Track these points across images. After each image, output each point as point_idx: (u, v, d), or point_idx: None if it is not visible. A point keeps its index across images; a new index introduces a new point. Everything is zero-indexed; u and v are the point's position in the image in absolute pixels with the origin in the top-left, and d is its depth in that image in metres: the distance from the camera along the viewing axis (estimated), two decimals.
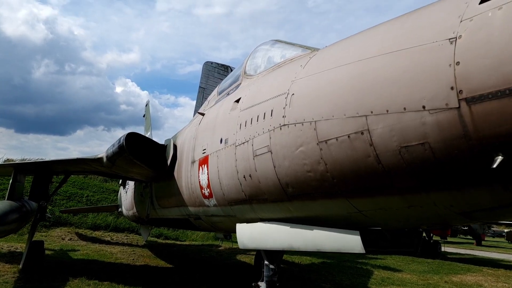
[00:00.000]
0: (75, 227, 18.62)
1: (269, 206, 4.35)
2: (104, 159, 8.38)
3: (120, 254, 14.19)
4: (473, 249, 32.66)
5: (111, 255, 13.80)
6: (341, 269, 14.54)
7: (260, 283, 5.26)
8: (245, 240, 4.89)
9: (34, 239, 10.61)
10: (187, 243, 20.01)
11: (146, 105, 19.65)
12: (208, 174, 5.56)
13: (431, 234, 24.03)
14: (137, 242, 17.90)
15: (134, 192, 11.92)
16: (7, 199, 9.48)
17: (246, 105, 4.68)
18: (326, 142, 3.08)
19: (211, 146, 5.53)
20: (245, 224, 4.98)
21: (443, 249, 27.37)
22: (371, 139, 2.68)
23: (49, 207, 18.74)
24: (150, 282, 9.67)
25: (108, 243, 17.18)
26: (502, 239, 56.57)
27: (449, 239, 45.91)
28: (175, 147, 7.63)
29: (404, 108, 2.44)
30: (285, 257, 16.86)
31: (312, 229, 3.91)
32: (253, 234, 4.81)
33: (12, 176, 9.87)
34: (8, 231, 8.55)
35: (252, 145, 4.21)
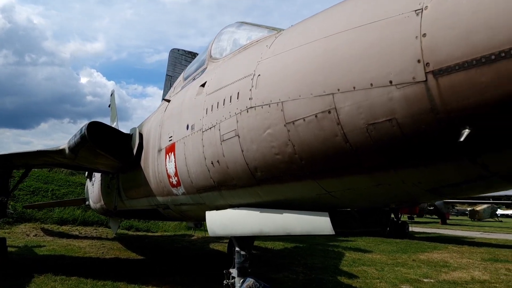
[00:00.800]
0: (40, 222, 17.98)
1: (238, 192, 4.25)
2: (67, 151, 8.02)
3: (89, 248, 13.82)
4: (438, 228, 33.97)
5: (80, 249, 13.41)
6: (313, 252, 14.74)
7: (231, 270, 5.19)
8: (215, 228, 4.79)
9: None
10: (159, 234, 19.74)
11: (111, 95, 19.04)
12: (175, 162, 5.39)
13: (399, 215, 24.78)
14: (106, 235, 17.49)
15: (101, 184, 11.55)
16: None
17: (212, 89, 4.53)
18: (293, 123, 2.99)
19: (178, 133, 5.35)
20: (214, 211, 4.87)
21: (410, 229, 28.30)
22: (338, 118, 2.61)
23: (11, 203, 18.01)
24: (120, 275, 9.42)
25: (76, 237, 16.70)
26: (466, 218, 59.12)
27: (416, 219, 47.60)
28: (140, 136, 7.38)
29: (371, 84, 2.37)
30: (258, 243, 16.93)
31: (282, 213, 3.84)
32: (223, 221, 4.71)
33: None
34: None
35: (219, 130, 4.08)
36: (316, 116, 2.77)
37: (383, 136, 2.39)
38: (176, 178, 5.46)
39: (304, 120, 2.88)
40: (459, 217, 61.47)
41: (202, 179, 4.74)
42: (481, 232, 30.05)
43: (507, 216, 67.32)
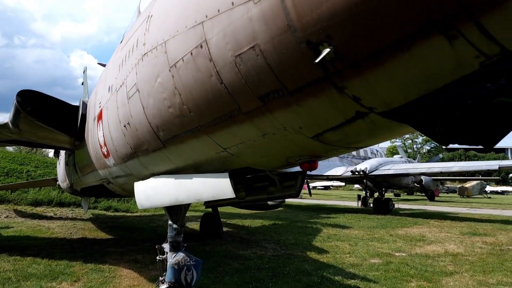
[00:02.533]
0: (13, 204, 17.53)
1: (152, 158, 3.83)
2: (10, 125, 7.52)
3: (58, 228, 13.44)
4: (426, 205, 34.01)
5: (48, 230, 13.03)
6: (290, 229, 14.48)
7: (164, 245, 4.82)
8: (141, 200, 4.36)
9: None
10: (138, 214, 19.40)
11: (84, 72, 18.36)
12: (102, 129, 4.94)
13: (383, 192, 24.62)
14: (81, 216, 17.10)
15: (64, 162, 11.09)
16: None
17: (124, 43, 4.06)
18: (175, 66, 2.53)
19: (103, 98, 4.89)
20: (140, 182, 4.44)
21: (396, 206, 28.28)
22: (209, 53, 2.16)
23: None
24: (80, 255, 9.07)
25: (50, 218, 16.29)
26: (456, 195, 59.51)
27: (405, 197, 47.84)
28: (84, 106, 6.88)
29: (232, 3, 1.91)
30: (236, 221, 16.68)
31: (191, 178, 3.43)
32: (147, 192, 4.28)
33: None
34: None
35: (126, 86, 3.62)
36: (191, 54, 2.31)
37: (250, 70, 1.95)
38: (105, 147, 5.02)
39: (183, 60, 2.42)
40: (449, 195, 61.83)
41: (121, 146, 4.31)
42: (467, 208, 30.10)
43: (496, 192, 67.97)
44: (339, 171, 23.33)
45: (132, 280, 7.14)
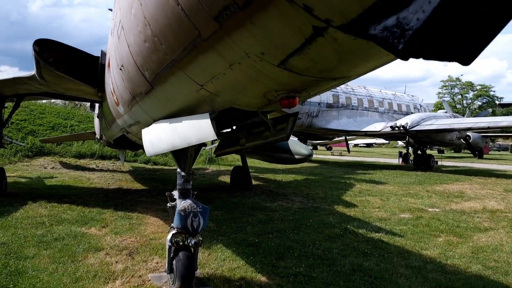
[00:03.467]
0: (59, 156, 18.51)
1: (147, 102, 3.73)
2: (36, 76, 7.67)
3: (97, 179, 14.07)
4: (473, 162, 32.53)
5: (88, 180, 13.68)
6: (322, 184, 14.35)
7: (174, 192, 4.83)
8: (148, 147, 4.29)
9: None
10: (175, 168, 19.88)
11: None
12: (110, 76, 4.87)
13: (425, 148, 23.65)
14: (121, 169, 17.80)
15: (96, 115, 11.39)
16: None
17: None
18: None
19: (109, 43, 4.78)
20: (145, 129, 4.38)
21: (440, 163, 27.26)
22: None
23: (30, 137, 18.56)
24: (111, 203, 9.46)
25: (92, 170, 17.09)
26: (507, 153, 56.50)
27: (450, 154, 46.03)
28: (103, 55, 6.84)
29: None
30: (269, 175, 16.74)
31: (181, 121, 3.30)
32: (151, 139, 4.21)
33: None
34: None
35: (116, 25, 3.45)
36: None
37: None
38: (115, 95, 4.98)
39: None
40: (501, 153, 58.69)
41: (123, 90, 4.23)
42: None
43: None
44: (378, 126, 22.52)
45: (156, 228, 7.35)
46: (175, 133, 3.44)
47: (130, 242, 6.34)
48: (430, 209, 9.87)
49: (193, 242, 4.37)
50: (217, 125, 4.49)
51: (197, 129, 3.11)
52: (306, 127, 22.34)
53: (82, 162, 18.59)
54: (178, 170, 4.71)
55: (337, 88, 23.44)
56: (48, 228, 6.95)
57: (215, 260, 5.52)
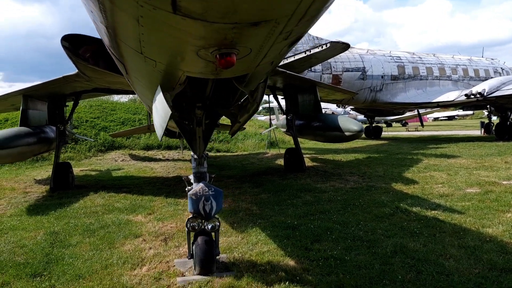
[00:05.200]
0: (129, 149, 19.59)
1: (132, 83, 3.59)
2: (81, 74, 8.02)
3: (160, 169, 14.63)
4: None
5: (151, 170, 14.27)
6: (384, 162, 13.50)
7: (190, 176, 4.71)
8: (157, 132, 4.25)
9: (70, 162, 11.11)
10: (237, 153, 20.12)
11: None
12: None
13: (510, 115, 21.19)
14: (184, 157, 18.37)
15: None
16: (19, 126, 9.86)
17: None
18: None
19: None
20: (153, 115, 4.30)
21: None
22: None
23: (102, 133, 19.87)
24: (164, 191, 9.72)
25: (158, 160, 17.85)
26: None
27: None
28: None
29: None
30: (329, 156, 16.18)
31: (156, 101, 3.12)
32: (156, 125, 4.14)
33: (21, 103, 10.09)
34: (17, 154, 8.93)
35: None
36: None
37: None
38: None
39: None
40: None
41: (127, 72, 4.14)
42: None
43: None
44: (451, 96, 20.62)
45: None
46: (157, 115, 3.30)
47: (169, 228, 6.40)
48: (504, 182, 8.75)
49: (209, 226, 4.24)
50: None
51: (162, 107, 2.92)
52: (369, 102, 21.22)
53: (149, 153, 19.50)
54: (191, 153, 4.59)
55: (402, 58, 21.86)
56: (99, 216, 7.28)
57: (246, 244, 5.34)
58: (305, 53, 16.14)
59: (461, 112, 71.95)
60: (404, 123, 51.90)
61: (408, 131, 41.91)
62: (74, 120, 20.73)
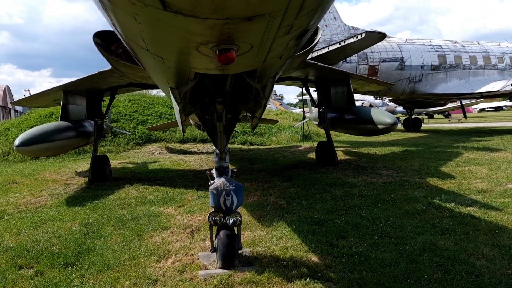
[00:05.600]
0: (165, 142, 20.06)
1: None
2: (114, 69, 8.25)
3: (194, 161, 14.88)
4: None
5: (185, 163, 14.55)
6: (422, 155, 13.03)
7: (213, 171, 4.75)
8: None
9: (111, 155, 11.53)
10: (270, 146, 20.10)
11: None
12: None
13: None
14: None
15: None
16: (60, 120, 10.32)
17: None
18: None
19: None
20: None
21: None
22: None
23: (140, 127, 20.44)
24: (196, 183, 9.88)
25: (193, 153, 18.17)
26: None
27: None
28: None
29: None
30: (363, 149, 15.83)
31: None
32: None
33: (62, 98, 10.53)
34: (56, 148, 9.37)
35: None
36: None
37: None
38: None
39: None
40: None
41: None
42: None
43: None
44: (496, 86, 19.54)
45: None
46: (175, 110, 3.34)
47: (197, 221, 6.50)
48: None
49: (231, 221, 4.27)
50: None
51: (174, 103, 2.95)
52: (408, 94, 20.52)
53: (185, 146, 19.87)
54: (213, 147, 4.63)
55: (443, 46, 20.95)
56: (132, 208, 7.51)
57: (270, 239, 5.34)
58: (339, 44, 15.84)
59: (509, 103, 68.15)
60: (446, 114, 49.90)
61: (451, 122, 40.25)
62: (114, 114, 21.48)
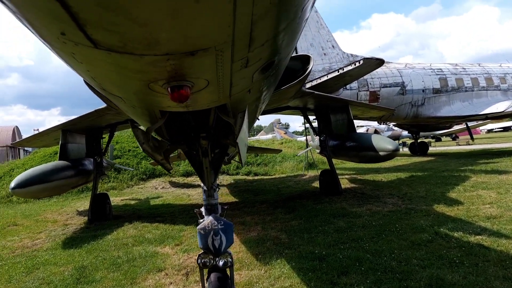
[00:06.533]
0: (169, 176, 19.90)
1: None
2: (109, 107, 8.21)
3: (196, 195, 14.65)
4: None
5: (187, 197, 14.34)
6: (428, 181, 12.71)
7: (202, 209, 4.55)
8: None
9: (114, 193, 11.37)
10: (274, 176, 19.86)
11: None
12: None
13: None
14: (223, 183, 18.36)
15: None
16: (58, 160, 10.25)
17: None
18: None
19: None
20: None
21: None
22: None
23: (144, 162, 20.37)
24: (196, 219, 9.61)
25: (197, 186, 17.93)
26: None
27: None
28: None
29: None
30: (369, 176, 15.54)
31: None
32: None
33: (60, 137, 10.51)
34: (53, 188, 9.24)
35: None
36: None
37: None
38: None
39: None
40: None
41: None
42: None
43: None
44: (500, 107, 19.32)
45: None
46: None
47: (193, 260, 6.23)
48: None
49: (221, 263, 4.02)
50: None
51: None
52: (411, 118, 20.35)
53: (189, 180, 19.69)
54: (201, 184, 4.44)
55: (443, 70, 20.93)
56: (128, 249, 7.27)
57: (268, 278, 5.07)
58: (338, 72, 15.85)
59: None
60: (454, 137, 49.43)
61: (459, 145, 39.77)
62: (117, 150, 21.49)
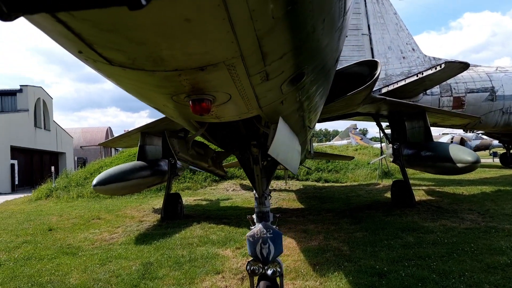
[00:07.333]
0: (240, 179, 20.34)
1: None
2: None
3: None
4: None
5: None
6: None
7: (253, 215, 4.56)
8: None
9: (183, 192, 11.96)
10: (345, 184, 19.31)
11: None
12: None
13: None
14: (291, 188, 18.29)
15: None
16: (137, 160, 11.01)
17: None
18: None
19: None
20: None
21: None
22: None
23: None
24: None
25: None
26: None
27: None
28: None
29: None
30: (449, 188, 14.46)
31: None
32: None
33: (139, 139, 11.29)
34: (131, 186, 9.92)
35: None
36: None
37: None
38: None
39: None
40: None
41: None
42: None
43: None
44: None
45: (287, 250, 7.12)
46: None
47: None
48: None
49: (269, 272, 3.99)
50: None
51: None
52: (502, 126, 18.49)
53: None
54: (254, 192, 4.46)
55: None
56: (192, 248, 7.55)
57: None
58: (417, 76, 14.96)
59: None
60: None
61: None
62: None
